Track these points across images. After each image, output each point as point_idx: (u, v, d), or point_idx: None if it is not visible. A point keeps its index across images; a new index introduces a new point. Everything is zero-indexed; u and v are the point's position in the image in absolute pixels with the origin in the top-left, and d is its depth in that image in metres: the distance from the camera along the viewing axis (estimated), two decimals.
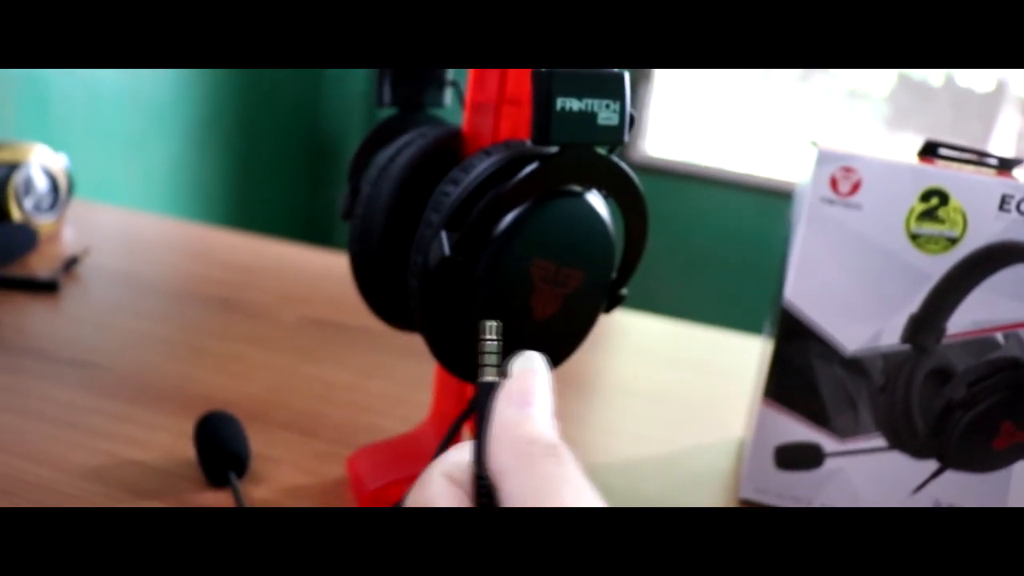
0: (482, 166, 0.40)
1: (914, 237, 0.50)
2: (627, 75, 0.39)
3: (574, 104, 0.37)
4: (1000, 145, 3.25)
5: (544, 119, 0.37)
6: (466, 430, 0.54)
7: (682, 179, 3.49)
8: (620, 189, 0.41)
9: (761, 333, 3.36)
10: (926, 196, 0.49)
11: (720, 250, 3.51)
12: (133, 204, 1.73)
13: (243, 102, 2.24)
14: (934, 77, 3.43)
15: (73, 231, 0.96)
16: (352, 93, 2.77)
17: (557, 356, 0.43)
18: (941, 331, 0.51)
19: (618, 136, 0.38)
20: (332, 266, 0.95)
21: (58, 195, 0.94)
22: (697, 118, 3.48)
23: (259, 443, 0.55)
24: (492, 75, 0.44)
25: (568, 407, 0.67)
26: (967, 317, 0.50)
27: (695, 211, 3.50)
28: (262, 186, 2.48)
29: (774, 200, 3.28)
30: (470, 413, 0.44)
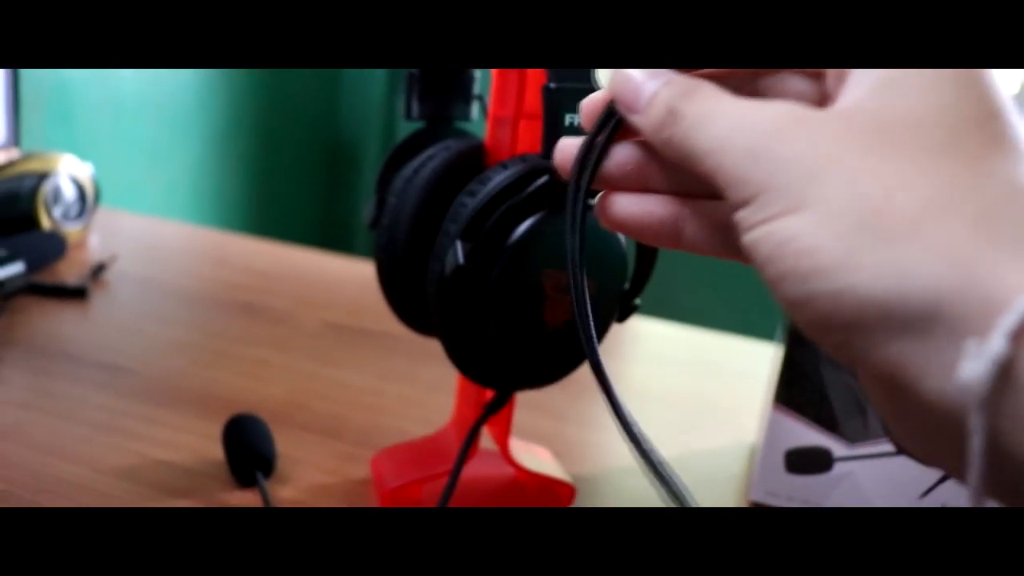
0: (498, 179, 0.41)
1: None
2: None
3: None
4: None
5: (553, 134, 0.38)
6: (486, 433, 0.56)
7: None
8: None
9: (774, 338, 3.36)
10: None
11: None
12: (156, 211, 1.76)
13: (262, 111, 2.27)
14: None
15: (99, 238, 0.98)
16: (370, 101, 2.80)
17: (569, 364, 0.45)
18: None
19: None
20: (351, 272, 0.97)
21: (85, 203, 0.97)
22: None
23: (284, 444, 0.57)
24: (511, 90, 0.45)
25: (581, 410, 0.68)
26: None
27: None
28: (281, 193, 2.51)
29: None
30: (487, 417, 0.46)
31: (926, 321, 0.21)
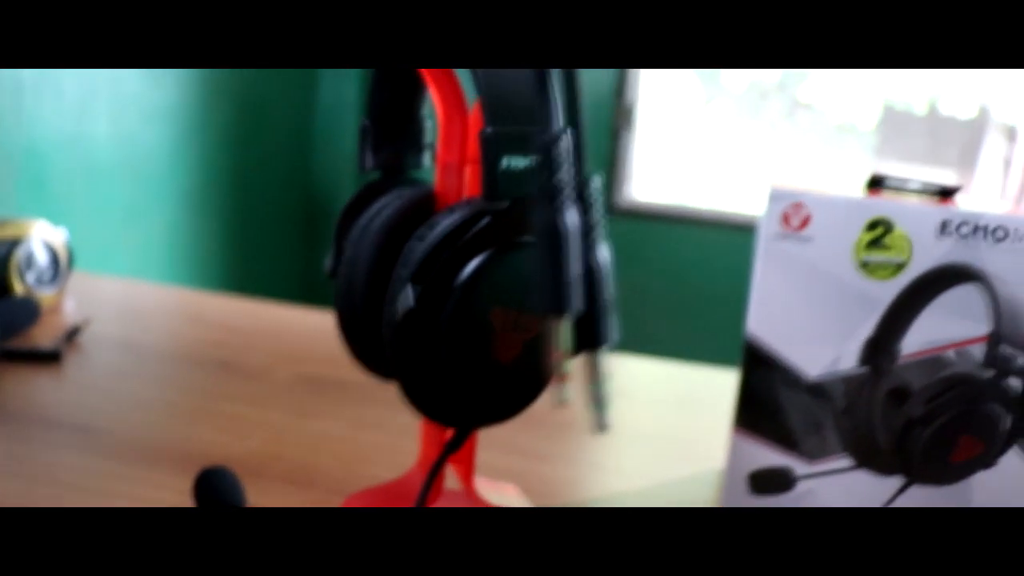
0: (445, 223, 0.43)
1: (864, 265, 0.53)
2: (571, 133, 0.42)
3: (520, 162, 0.40)
4: (986, 170, 3.29)
5: (491, 177, 0.40)
6: (452, 473, 0.57)
7: (670, 222, 3.54)
8: None
9: None
10: (872, 226, 0.53)
11: (712, 290, 3.55)
12: (132, 274, 1.77)
13: (236, 169, 2.29)
14: (918, 106, 3.48)
15: (74, 302, 0.99)
16: (342, 156, 2.83)
17: (524, 398, 0.46)
18: (895, 352, 0.54)
19: None
20: (326, 325, 0.98)
21: (59, 268, 0.98)
22: (683, 160, 3.53)
23: (256, 495, 0.58)
24: (456, 136, 0.47)
25: (554, 447, 0.69)
26: (919, 337, 0.53)
27: (684, 252, 3.54)
28: (258, 250, 2.52)
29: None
30: (447, 456, 0.47)
31: None
